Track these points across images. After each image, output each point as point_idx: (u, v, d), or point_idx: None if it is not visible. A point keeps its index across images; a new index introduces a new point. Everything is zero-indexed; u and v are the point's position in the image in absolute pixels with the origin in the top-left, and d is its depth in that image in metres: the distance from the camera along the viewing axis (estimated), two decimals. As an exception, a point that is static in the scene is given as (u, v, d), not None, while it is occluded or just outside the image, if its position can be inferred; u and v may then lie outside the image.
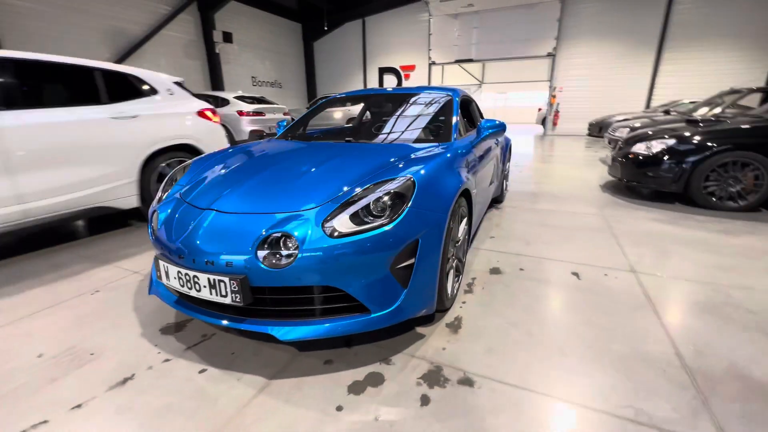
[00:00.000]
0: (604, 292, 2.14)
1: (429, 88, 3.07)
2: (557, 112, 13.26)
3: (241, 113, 8.32)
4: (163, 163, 3.44)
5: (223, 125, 8.43)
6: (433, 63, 14.80)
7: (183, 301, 1.62)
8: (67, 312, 2.00)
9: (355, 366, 1.54)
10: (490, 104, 23.40)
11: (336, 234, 1.40)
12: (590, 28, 12.16)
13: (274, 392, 1.41)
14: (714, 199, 3.74)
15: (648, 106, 11.69)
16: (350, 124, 4.42)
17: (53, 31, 8.36)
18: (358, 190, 1.56)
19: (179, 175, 2.09)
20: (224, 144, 4.01)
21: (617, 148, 4.62)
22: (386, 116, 2.99)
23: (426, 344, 1.68)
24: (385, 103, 3.35)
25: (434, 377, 1.47)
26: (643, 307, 1.98)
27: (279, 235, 1.42)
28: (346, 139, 2.65)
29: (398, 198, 1.52)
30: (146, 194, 3.33)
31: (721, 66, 10.81)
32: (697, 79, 11.05)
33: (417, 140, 2.50)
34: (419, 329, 1.79)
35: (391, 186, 1.55)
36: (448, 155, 2.02)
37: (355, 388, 1.42)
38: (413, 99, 2.97)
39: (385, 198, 1.51)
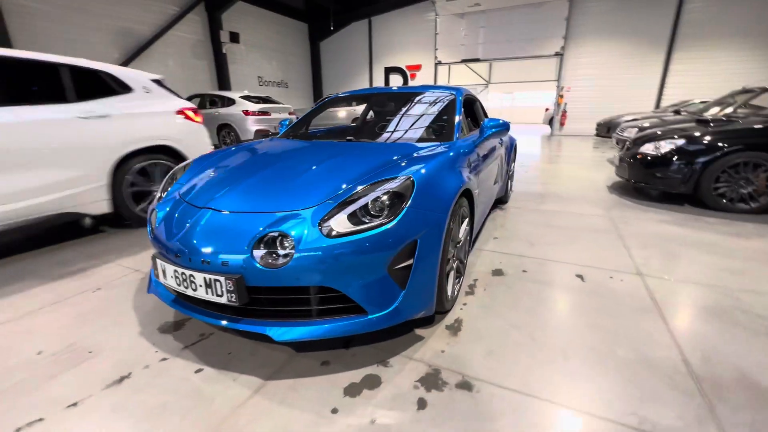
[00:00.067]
0: (609, 295, 2.10)
1: (432, 87, 3.04)
2: (565, 112, 13.12)
3: (246, 113, 8.37)
4: (137, 165, 3.18)
5: (229, 124, 8.59)
6: (440, 63, 14.73)
7: (180, 300, 1.62)
8: (69, 309, 2.01)
9: (352, 368, 1.52)
10: (496, 104, 23.26)
11: (333, 234, 1.38)
12: (599, 27, 12.02)
13: (270, 393, 1.39)
14: (724, 200, 3.66)
15: (658, 106, 11.52)
16: (354, 124, 4.39)
17: (64, 32, 8.48)
18: (359, 188, 1.54)
19: (179, 174, 2.10)
20: (208, 145, 3.76)
21: (625, 149, 4.54)
22: (389, 115, 2.97)
23: (425, 346, 1.66)
24: (387, 102, 3.31)
25: (432, 380, 1.45)
26: (649, 310, 1.93)
27: (275, 234, 1.41)
28: (348, 138, 2.63)
29: (397, 197, 1.50)
30: (118, 199, 3.11)
31: (732, 65, 10.61)
32: (708, 78, 10.87)
33: (419, 139, 2.47)
34: (418, 331, 1.77)
35: (390, 185, 1.53)
36: (450, 154, 1.99)
37: (352, 391, 1.40)
38: (416, 98, 2.94)
39: (384, 197, 1.49)
